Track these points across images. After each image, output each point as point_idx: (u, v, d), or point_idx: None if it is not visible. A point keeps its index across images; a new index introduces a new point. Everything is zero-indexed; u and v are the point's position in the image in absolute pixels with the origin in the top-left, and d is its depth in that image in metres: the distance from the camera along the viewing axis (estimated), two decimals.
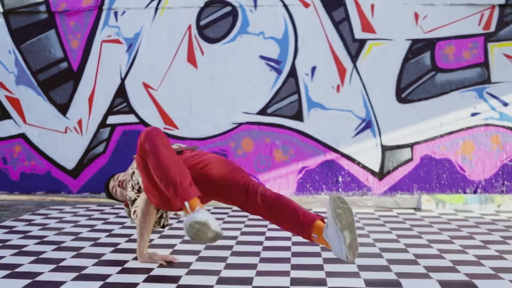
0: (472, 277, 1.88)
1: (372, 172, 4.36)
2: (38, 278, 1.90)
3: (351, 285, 1.86)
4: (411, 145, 4.36)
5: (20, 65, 4.50)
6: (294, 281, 1.90)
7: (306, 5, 4.25)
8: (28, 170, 4.53)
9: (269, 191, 2.03)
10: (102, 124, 4.52)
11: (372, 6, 4.25)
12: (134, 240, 2.43)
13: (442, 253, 2.29)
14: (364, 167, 4.36)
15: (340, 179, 4.36)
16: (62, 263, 2.14)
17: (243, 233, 2.75)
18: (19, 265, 2.09)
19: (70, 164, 4.52)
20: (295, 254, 2.30)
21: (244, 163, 4.33)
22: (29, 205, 3.85)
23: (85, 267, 2.07)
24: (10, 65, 4.51)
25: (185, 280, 1.86)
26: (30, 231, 2.82)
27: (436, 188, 4.30)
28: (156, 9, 4.35)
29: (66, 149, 4.53)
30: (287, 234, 2.44)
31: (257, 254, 2.28)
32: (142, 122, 4.41)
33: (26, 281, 1.85)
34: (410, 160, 4.33)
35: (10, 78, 4.52)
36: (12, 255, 2.27)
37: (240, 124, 4.40)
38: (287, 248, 2.40)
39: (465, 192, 4.27)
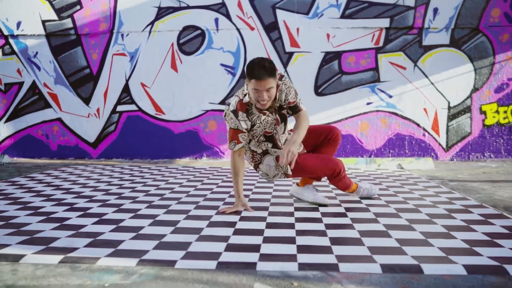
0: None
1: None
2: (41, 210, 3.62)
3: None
4: None
5: (58, 71, 6.08)
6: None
7: (252, 28, 5.79)
8: (63, 143, 6.18)
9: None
10: (113, 111, 6.02)
11: (298, 29, 5.73)
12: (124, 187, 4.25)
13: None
14: None
15: None
16: (84, 211, 3.78)
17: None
18: (46, 207, 3.84)
19: (91, 138, 6.11)
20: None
21: (210, 137, 6.03)
22: (57, 166, 5.47)
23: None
24: (51, 71, 6.08)
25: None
26: (44, 179, 4.52)
27: (342, 155, 5.88)
28: (150, 32, 5.90)
29: (89, 129, 6.10)
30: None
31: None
32: (140, 109, 6.01)
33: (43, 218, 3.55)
34: None
35: (51, 80, 6.10)
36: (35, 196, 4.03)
37: (207, 111, 5.91)
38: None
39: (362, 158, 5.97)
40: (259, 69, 2.53)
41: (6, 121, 6.28)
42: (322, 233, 2.35)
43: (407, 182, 4.10)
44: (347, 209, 2.93)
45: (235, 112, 2.72)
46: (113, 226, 2.48)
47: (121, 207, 2.98)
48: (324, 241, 2.21)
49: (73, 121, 6.19)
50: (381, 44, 5.76)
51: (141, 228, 2.45)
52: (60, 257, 1.94)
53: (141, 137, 6.10)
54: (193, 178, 4.34)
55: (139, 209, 2.92)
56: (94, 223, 2.55)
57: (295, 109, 2.81)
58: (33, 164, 5.68)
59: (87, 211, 2.86)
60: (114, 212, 2.85)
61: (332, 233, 2.36)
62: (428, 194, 3.47)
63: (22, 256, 1.95)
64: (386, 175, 4.57)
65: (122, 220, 2.62)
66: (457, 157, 5.85)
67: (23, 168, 5.21)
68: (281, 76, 2.76)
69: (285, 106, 2.79)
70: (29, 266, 1.85)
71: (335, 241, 2.21)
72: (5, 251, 2.02)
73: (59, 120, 6.21)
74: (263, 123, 2.78)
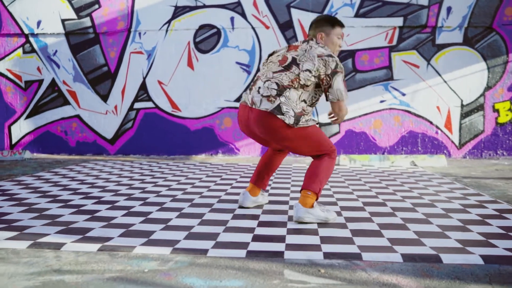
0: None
1: None
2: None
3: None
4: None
5: (76, 69, 6.26)
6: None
7: (267, 27, 5.93)
8: (81, 139, 6.36)
9: None
10: (130, 108, 6.19)
11: None
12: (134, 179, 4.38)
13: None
14: None
15: None
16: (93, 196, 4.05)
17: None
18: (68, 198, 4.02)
19: (109, 135, 6.28)
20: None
21: (225, 134, 6.20)
22: (77, 162, 5.72)
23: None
24: (70, 68, 6.26)
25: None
26: (68, 174, 4.73)
27: (356, 152, 6.04)
28: (167, 30, 6.05)
29: (107, 125, 6.27)
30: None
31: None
32: (157, 107, 6.18)
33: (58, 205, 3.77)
34: (338, 132, 5.96)
35: (70, 77, 6.28)
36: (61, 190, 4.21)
37: (223, 108, 6.06)
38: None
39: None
40: (339, 20, 2.70)
41: (27, 117, 6.45)
42: (343, 226, 2.45)
43: (421, 178, 4.19)
44: (365, 204, 3.03)
45: None
46: (143, 218, 2.61)
47: (147, 201, 3.11)
48: (345, 233, 2.31)
49: (91, 118, 6.34)
50: (394, 42, 5.85)
51: (169, 220, 2.57)
52: (98, 245, 2.06)
53: (158, 133, 6.23)
54: (211, 173, 4.46)
55: (165, 203, 3.04)
56: (123, 215, 2.68)
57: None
58: (53, 159, 5.83)
59: (115, 204, 2.99)
60: (141, 205, 2.97)
61: (352, 225, 2.46)
62: (443, 190, 3.56)
63: (62, 244, 2.07)
64: (400, 172, 4.65)
65: (150, 213, 2.74)
66: (470, 154, 5.91)
67: (45, 163, 5.36)
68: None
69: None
70: (71, 253, 1.98)
71: (356, 232, 2.32)
72: (46, 239, 2.15)
73: (78, 117, 6.36)
74: None
